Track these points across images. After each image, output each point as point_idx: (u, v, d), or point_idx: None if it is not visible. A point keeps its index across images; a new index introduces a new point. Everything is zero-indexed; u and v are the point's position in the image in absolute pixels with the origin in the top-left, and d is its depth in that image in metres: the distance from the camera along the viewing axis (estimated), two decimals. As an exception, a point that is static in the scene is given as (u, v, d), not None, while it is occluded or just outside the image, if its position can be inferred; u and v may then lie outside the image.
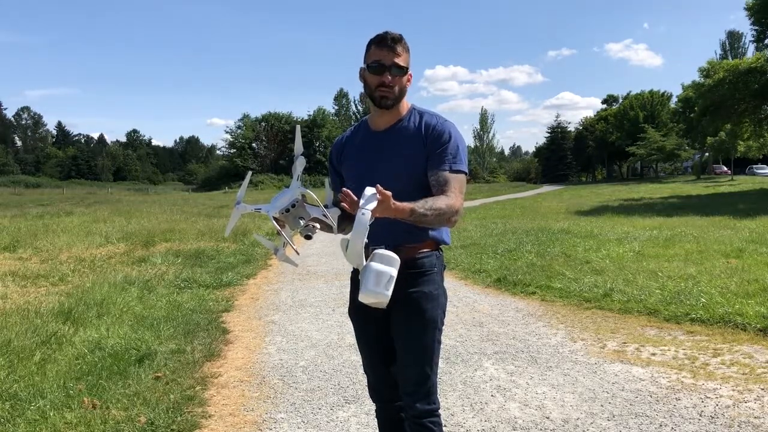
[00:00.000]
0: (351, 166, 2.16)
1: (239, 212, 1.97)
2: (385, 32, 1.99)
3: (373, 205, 1.72)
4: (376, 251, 1.82)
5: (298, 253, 1.98)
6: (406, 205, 1.81)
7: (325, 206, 1.99)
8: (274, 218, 1.87)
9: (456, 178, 1.98)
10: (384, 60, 1.97)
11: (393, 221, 1.84)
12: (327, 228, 1.99)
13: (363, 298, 1.82)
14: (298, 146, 1.92)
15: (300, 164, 1.90)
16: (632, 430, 3.03)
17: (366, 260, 1.82)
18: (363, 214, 1.71)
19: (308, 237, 1.91)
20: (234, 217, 2.00)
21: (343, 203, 1.83)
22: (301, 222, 1.88)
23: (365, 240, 1.73)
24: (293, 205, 1.88)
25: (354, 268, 2.20)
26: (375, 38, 2.00)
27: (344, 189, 1.81)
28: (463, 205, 1.99)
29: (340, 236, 2.00)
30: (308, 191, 1.91)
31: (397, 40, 1.98)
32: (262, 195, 41.16)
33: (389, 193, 1.74)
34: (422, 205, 1.85)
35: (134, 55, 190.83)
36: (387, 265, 1.80)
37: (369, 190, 1.74)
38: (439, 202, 1.89)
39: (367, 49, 2.02)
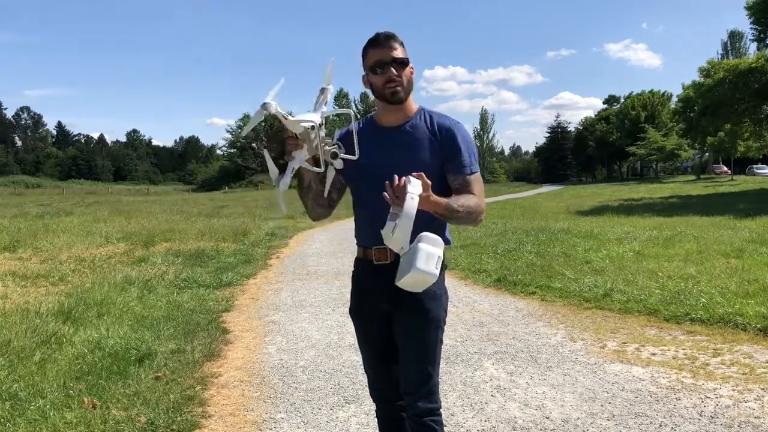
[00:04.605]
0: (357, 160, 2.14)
1: (263, 112, 1.81)
2: (376, 33, 2.02)
3: (419, 190, 1.78)
4: (422, 234, 1.83)
5: (319, 171, 1.96)
6: (442, 199, 1.88)
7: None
8: (293, 136, 1.84)
9: (477, 179, 2.06)
10: (383, 58, 1.99)
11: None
12: (319, 186, 2.03)
13: (412, 277, 1.78)
14: (328, 78, 1.93)
15: (326, 95, 1.90)
16: (632, 430, 3.03)
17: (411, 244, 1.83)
18: (412, 198, 1.76)
19: (335, 155, 1.92)
20: (255, 118, 1.85)
21: (386, 192, 1.81)
22: (325, 146, 1.88)
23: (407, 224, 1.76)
24: (320, 125, 1.85)
25: (358, 266, 2.20)
26: (369, 42, 2.02)
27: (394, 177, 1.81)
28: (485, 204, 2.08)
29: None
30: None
31: (390, 36, 2.01)
32: (262, 194, 41.08)
33: (429, 182, 1.81)
34: (455, 201, 1.93)
35: (134, 55, 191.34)
36: (435, 246, 1.82)
37: (414, 178, 1.79)
38: (470, 201, 1.98)
39: (365, 55, 2.03)
